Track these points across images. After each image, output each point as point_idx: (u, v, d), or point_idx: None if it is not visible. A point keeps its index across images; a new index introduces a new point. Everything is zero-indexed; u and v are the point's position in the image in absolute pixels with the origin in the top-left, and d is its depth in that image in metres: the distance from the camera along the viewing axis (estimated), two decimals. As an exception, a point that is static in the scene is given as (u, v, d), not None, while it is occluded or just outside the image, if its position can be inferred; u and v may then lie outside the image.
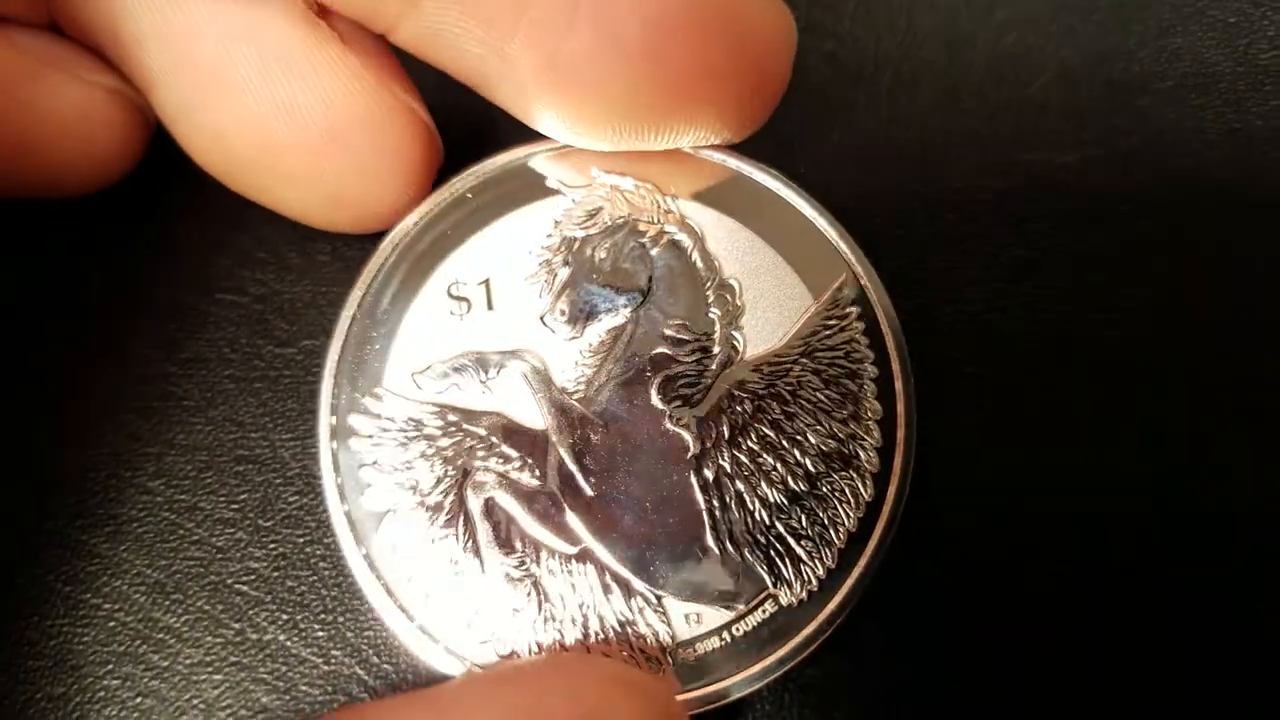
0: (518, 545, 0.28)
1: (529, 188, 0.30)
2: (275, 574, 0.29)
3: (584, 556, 0.28)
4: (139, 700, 0.29)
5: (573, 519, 0.28)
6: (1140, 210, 0.31)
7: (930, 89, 0.32)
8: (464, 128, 0.32)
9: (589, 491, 0.28)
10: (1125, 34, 0.33)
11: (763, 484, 0.28)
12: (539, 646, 0.28)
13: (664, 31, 0.26)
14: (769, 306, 0.29)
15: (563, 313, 0.29)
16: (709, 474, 0.28)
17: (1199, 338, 0.30)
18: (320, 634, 0.29)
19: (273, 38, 0.28)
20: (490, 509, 0.28)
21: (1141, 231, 0.31)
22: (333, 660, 0.29)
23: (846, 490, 0.28)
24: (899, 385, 0.29)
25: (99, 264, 0.31)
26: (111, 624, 0.29)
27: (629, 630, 0.28)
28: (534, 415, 0.29)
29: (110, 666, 0.29)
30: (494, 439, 0.29)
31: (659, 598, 0.28)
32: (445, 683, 0.26)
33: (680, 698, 0.27)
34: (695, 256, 0.29)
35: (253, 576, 0.29)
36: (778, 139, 0.30)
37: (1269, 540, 0.28)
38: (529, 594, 0.28)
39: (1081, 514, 0.29)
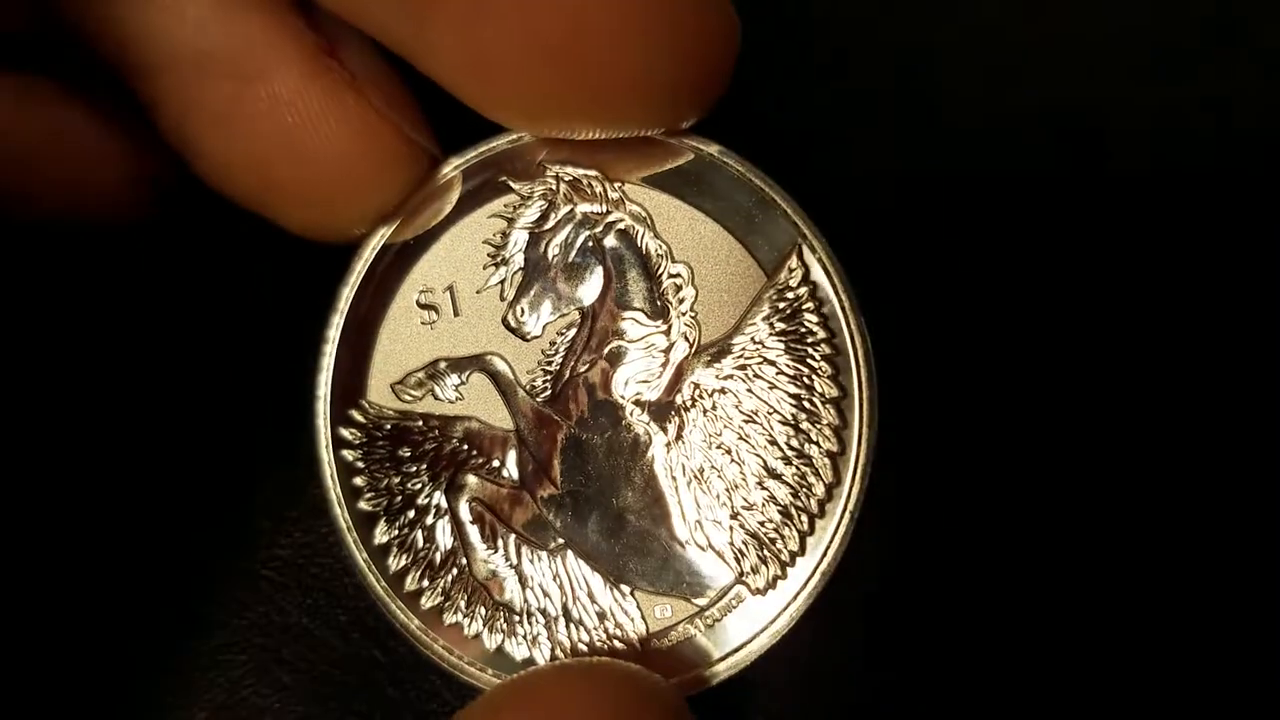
0: (499, 544, 0.29)
1: (482, 187, 0.30)
2: (299, 561, 0.32)
3: (559, 553, 0.29)
4: (166, 679, 0.32)
5: (546, 516, 0.29)
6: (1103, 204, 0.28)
7: (897, 54, 0.30)
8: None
9: (558, 489, 0.29)
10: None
11: (725, 475, 0.28)
12: (532, 648, 0.29)
13: (587, 28, 0.26)
14: (722, 289, 0.29)
15: (522, 313, 0.29)
16: (671, 464, 0.28)
17: (1184, 336, 0.27)
18: (341, 618, 0.31)
19: (284, 81, 0.28)
20: (472, 510, 0.30)
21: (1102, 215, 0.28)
22: (352, 642, 0.31)
23: (807, 473, 0.28)
24: (856, 364, 0.28)
25: (118, 271, 0.33)
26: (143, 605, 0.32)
27: (605, 624, 0.29)
28: (504, 417, 0.30)
29: (142, 644, 0.32)
30: (469, 443, 0.30)
31: (629, 591, 0.28)
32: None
33: (655, 686, 0.28)
34: (645, 243, 0.29)
35: (278, 563, 0.32)
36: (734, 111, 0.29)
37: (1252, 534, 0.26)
38: (513, 591, 0.29)
39: (1049, 487, 0.27)
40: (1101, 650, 0.27)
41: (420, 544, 0.30)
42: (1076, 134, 0.30)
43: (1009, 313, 0.29)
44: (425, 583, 0.30)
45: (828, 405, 0.28)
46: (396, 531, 0.30)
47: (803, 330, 0.28)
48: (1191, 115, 0.30)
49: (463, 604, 0.30)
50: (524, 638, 0.29)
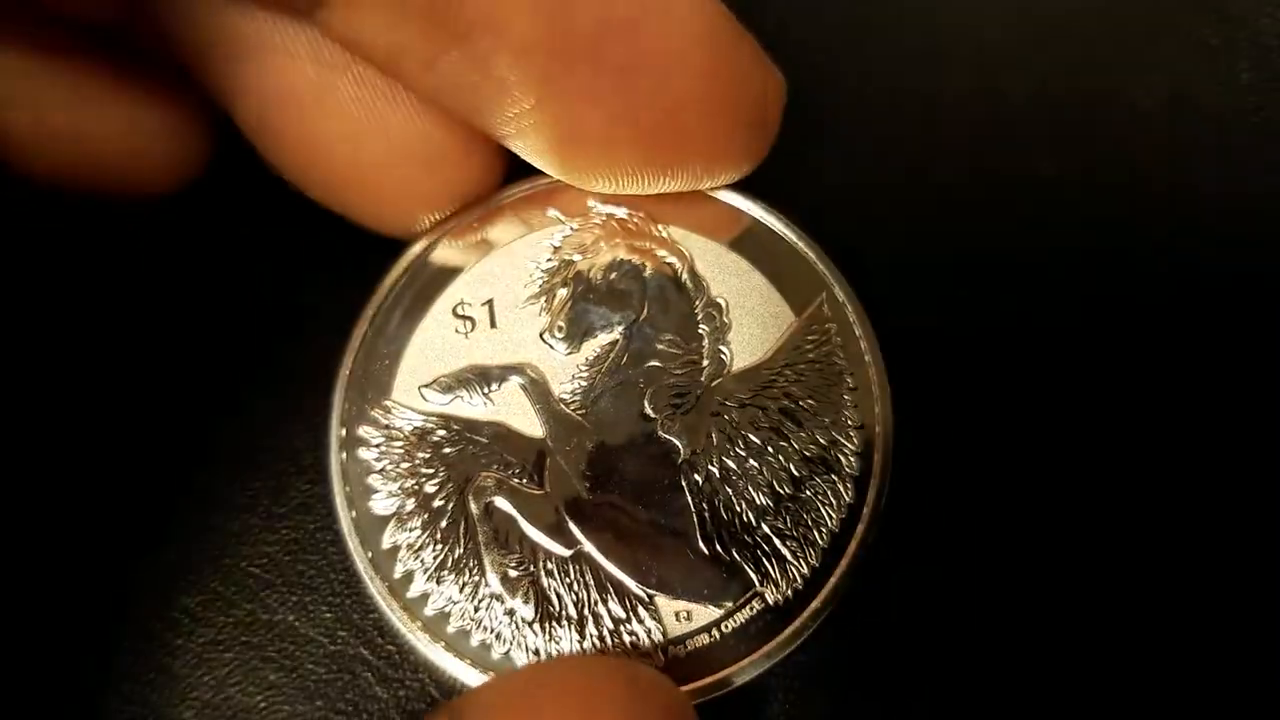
0: (516, 547, 0.30)
1: (531, 217, 0.32)
2: (286, 558, 0.31)
3: (579, 558, 0.29)
4: (152, 676, 0.30)
5: (568, 522, 0.30)
6: (1121, 220, 0.33)
7: (912, 102, 0.35)
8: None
9: (584, 496, 0.30)
10: (1105, 48, 0.35)
11: (749, 488, 0.30)
12: (537, 650, 0.29)
13: (679, 113, 0.28)
14: (754, 323, 0.31)
15: (560, 329, 0.31)
16: (698, 479, 0.30)
17: (1185, 345, 0.32)
18: (328, 615, 0.30)
19: (367, 64, 0.29)
20: (490, 513, 0.30)
21: (1123, 242, 0.32)
22: (339, 640, 0.30)
23: (828, 493, 0.30)
24: (876, 394, 0.31)
25: (120, 266, 0.33)
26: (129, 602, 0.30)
27: (623, 629, 0.29)
28: (533, 425, 0.30)
29: (126, 644, 0.30)
30: (495, 447, 0.30)
31: (651, 597, 0.29)
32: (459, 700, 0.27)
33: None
34: (685, 278, 0.31)
35: (265, 560, 0.31)
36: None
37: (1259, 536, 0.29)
38: (526, 594, 0.29)
39: (1063, 501, 0.30)
40: (1127, 674, 0.29)
41: (431, 548, 0.30)
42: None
43: (1030, 341, 0.32)
44: (433, 585, 0.29)
45: (850, 431, 0.30)
46: (406, 534, 0.30)
47: (830, 362, 0.31)
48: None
49: (471, 610, 0.29)
50: (534, 647, 0.29)
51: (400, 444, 0.30)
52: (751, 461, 0.30)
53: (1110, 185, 0.33)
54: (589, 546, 0.29)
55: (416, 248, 0.32)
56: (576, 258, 0.31)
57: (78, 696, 0.30)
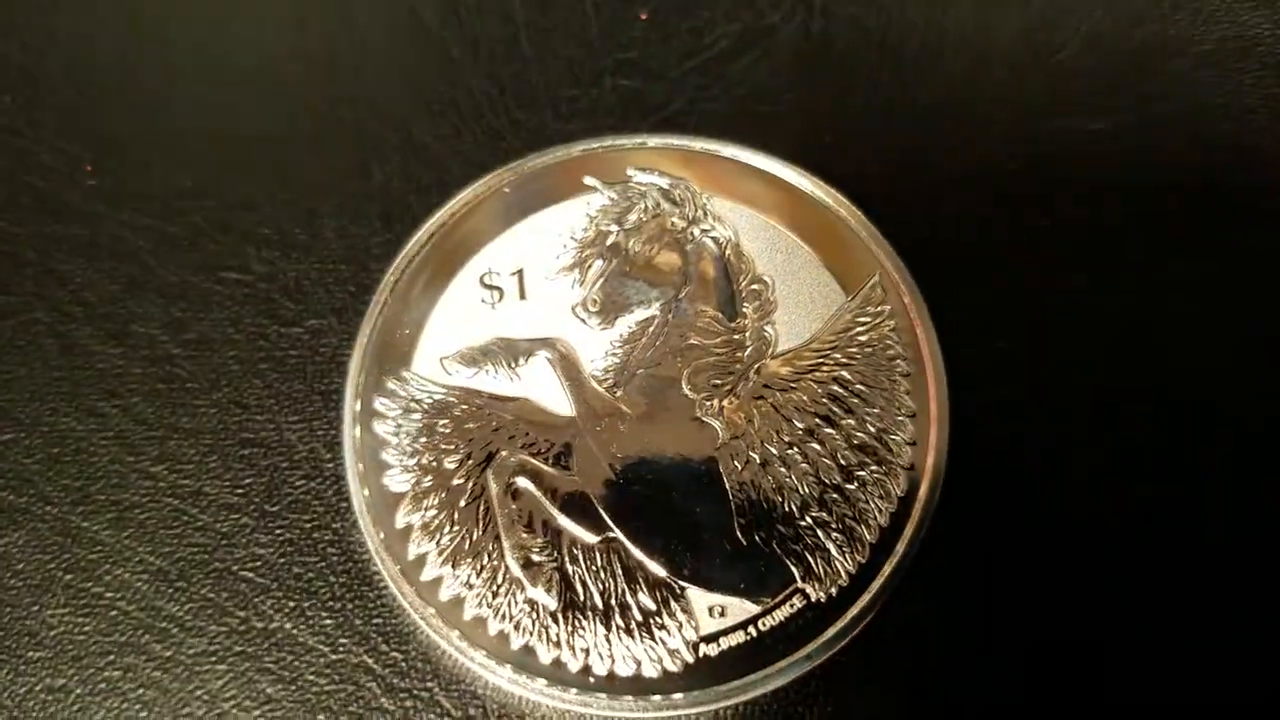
0: (539, 531, 0.27)
1: (566, 184, 0.30)
2: (282, 560, 0.29)
3: (607, 545, 0.27)
4: (141, 692, 0.28)
5: (597, 507, 0.28)
6: (1175, 180, 0.31)
7: (956, 56, 0.33)
8: (503, 120, 0.32)
9: (615, 480, 0.28)
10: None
11: (792, 477, 0.28)
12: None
13: None
14: (802, 303, 0.29)
15: (594, 303, 0.29)
16: (737, 465, 0.28)
17: (1241, 313, 0.29)
18: (328, 621, 0.28)
19: None
20: (512, 493, 0.28)
21: (1177, 202, 0.30)
22: (340, 649, 0.28)
23: (878, 485, 0.28)
24: (931, 381, 0.28)
25: (99, 243, 0.31)
26: (114, 613, 0.28)
27: (652, 622, 0.27)
28: (562, 403, 0.28)
29: (112, 657, 0.28)
30: (521, 424, 0.28)
31: (683, 589, 0.27)
32: None
33: (705, 692, 0.26)
34: (729, 253, 0.29)
35: (258, 563, 0.29)
36: (802, 109, 0.30)
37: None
38: (549, 582, 0.27)
39: (1121, 501, 0.28)
40: (1189, 675, 0.27)
41: (447, 528, 0.27)
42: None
43: (1086, 312, 0.30)
44: (448, 569, 0.27)
45: (903, 420, 0.28)
46: (421, 514, 0.28)
47: (883, 345, 0.29)
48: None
49: (489, 596, 0.27)
50: (556, 639, 0.27)
51: (418, 417, 0.28)
52: (795, 449, 0.28)
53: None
54: (618, 533, 0.27)
55: (441, 213, 0.30)
56: (614, 228, 0.29)
57: (62, 713, 0.28)
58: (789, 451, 0.28)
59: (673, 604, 0.27)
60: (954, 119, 0.32)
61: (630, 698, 0.26)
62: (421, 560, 0.27)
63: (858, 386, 0.28)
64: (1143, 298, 0.30)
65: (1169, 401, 0.29)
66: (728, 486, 0.28)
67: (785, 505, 0.28)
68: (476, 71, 0.33)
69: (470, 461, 0.28)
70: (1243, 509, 0.28)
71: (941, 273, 0.30)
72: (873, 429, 0.28)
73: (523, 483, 0.28)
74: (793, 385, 0.28)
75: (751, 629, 0.27)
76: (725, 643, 0.27)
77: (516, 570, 0.27)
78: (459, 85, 0.33)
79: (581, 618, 0.27)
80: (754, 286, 0.29)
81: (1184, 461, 0.29)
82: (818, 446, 0.28)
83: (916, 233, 0.30)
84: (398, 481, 0.28)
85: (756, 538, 0.27)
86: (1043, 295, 0.30)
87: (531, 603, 0.27)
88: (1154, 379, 0.30)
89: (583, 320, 0.29)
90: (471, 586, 0.27)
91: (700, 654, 0.27)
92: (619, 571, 0.27)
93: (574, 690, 0.27)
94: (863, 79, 0.33)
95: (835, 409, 0.28)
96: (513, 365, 0.29)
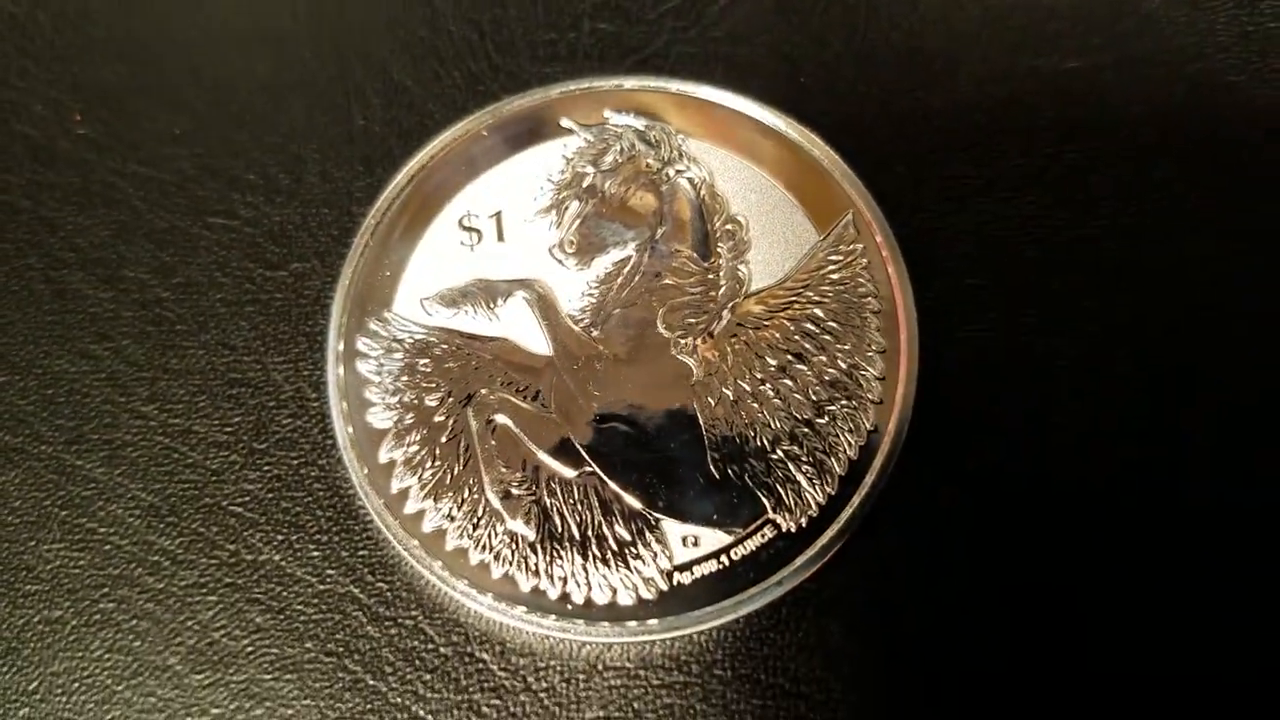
0: (518, 466, 0.28)
1: (543, 126, 0.31)
2: (270, 496, 0.29)
3: (584, 479, 0.28)
4: (134, 623, 0.29)
5: (574, 442, 0.28)
6: (1149, 116, 0.31)
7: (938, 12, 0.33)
8: (483, 64, 0.33)
9: (592, 416, 0.28)
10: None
11: (764, 412, 0.28)
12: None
13: None
14: (775, 242, 0.30)
15: (571, 244, 0.29)
16: (711, 401, 0.28)
17: (1209, 248, 0.30)
18: (315, 554, 0.29)
19: None
20: (491, 429, 0.28)
21: (1149, 139, 0.31)
22: (328, 579, 0.29)
23: (848, 419, 0.28)
24: (901, 318, 0.29)
25: (90, 190, 0.32)
26: (107, 547, 0.29)
27: (627, 552, 0.28)
28: (540, 342, 0.29)
29: (106, 590, 0.29)
30: (499, 363, 0.29)
31: (657, 521, 0.28)
32: None
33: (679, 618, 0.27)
34: (704, 193, 0.30)
35: (247, 498, 0.29)
36: (778, 48, 0.30)
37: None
38: (528, 514, 0.28)
39: (1086, 436, 0.28)
40: (1150, 613, 0.28)
41: (429, 463, 0.28)
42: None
43: (1059, 246, 0.30)
44: (430, 503, 0.28)
45: (873, 356, 0.29)
46: (404, 450, 0.28)
47: (855, 283, 0.29)
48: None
49: (470, 528, 0.28)
50: (535, 568, 0.28)
51: (400, 356, 0.29)
52: (768, 385, 0.28)
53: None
54: (595, 468, 0.28)
55: (420, 156, 0.31)
56: (590, 170, 0.30)
57: (58, 644, 0.28)
58: (762, 387, 0.29)
59: (647, 534, 0.28)
60: (928, 59, 0.32)
61: (607, 624, 0.27)
62: (404, 494, 0.28)
63: (829, 324, 0.29)
64: (1118, 237, 0.31)
65: (1136, 334, 0.30)
66: (702, 422, 0.28)
67: (758, 439, 0.28)
68: (456, 16, 0.34)
69: (451, 399, 0.29)
70: (1223, 469, 0.29)
71: (914, 212, 0.30)
72: (843, 365, 0.29)
73: (502, 419, 0.29)
74: (766, 323, 0.29)
75: (724, 558, 0.28)
76: (698, 571, 0.28)
77: (496, 503, 0.28)
78: (439, 29, 0.33)
79: (559, 548, 0.28)
80: (728, 226, 0.30)
81: (1164, 384, 0.29)
82: (790, 382, 0.29)
83: (890, 172, 0.30)
84: (380, 419, 0.29)
85: (729, 471, 0.28)
86: (1014, 234, 0.31)
87: (511, 534, 0.28)
88: (1125, 313, 0.30)
89: (560, 261, 0.30)
90: (453, 519, 0.28)
91: (674, 582, 0.27)
92: (595, 504, 0.28)
93: (553, 617, 0.27)
94: (838, 20, 0.33)
95: (807, 346, 0.29)
96: (491, 306, 0.29)
